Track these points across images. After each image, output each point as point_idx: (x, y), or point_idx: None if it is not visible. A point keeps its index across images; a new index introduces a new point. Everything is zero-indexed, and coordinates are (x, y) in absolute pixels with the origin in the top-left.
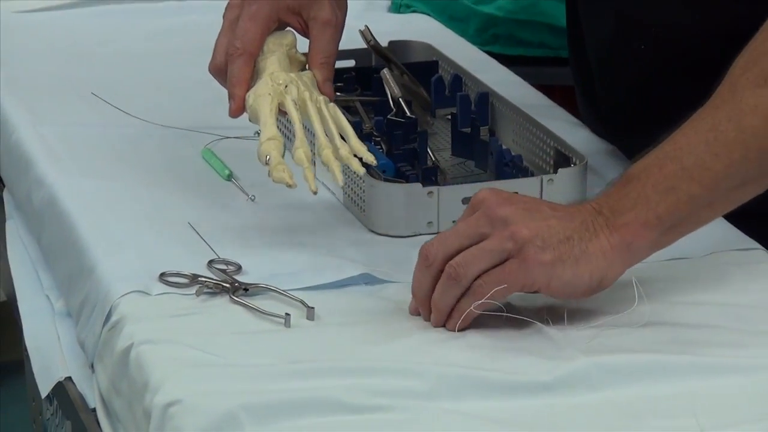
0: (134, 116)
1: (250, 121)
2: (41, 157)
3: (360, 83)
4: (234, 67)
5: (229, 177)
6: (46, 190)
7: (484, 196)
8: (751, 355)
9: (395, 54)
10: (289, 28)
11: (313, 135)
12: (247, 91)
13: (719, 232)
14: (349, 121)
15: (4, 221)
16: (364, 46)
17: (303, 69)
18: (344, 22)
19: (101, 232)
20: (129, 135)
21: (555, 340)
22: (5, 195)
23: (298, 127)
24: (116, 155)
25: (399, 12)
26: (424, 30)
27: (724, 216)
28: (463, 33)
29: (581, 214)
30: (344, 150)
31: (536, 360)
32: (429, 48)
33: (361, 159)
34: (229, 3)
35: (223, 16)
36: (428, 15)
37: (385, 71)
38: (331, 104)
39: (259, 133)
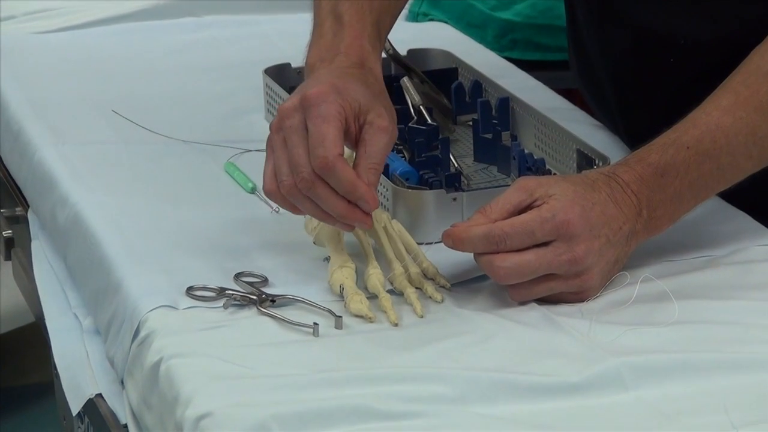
0: (156, 132)
1: (314, 243)
2: (64, 176)
3: None
4: (337, 175)
5: (253, 190)
6: (71, 209)
7: (567, 219)
8: None
9: (415, 62)
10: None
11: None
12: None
13: (744, 228)
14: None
15: (30, 241)
16: (383, 55)
17: None
18: (396, 135)
19: (127, 248)
20: (151, 151)
21: (582, 341)
22: (30, 215)
23: (368, 250)
24: (139, 172)
25: (417, 20)
26: (442, 37)
27: (748, 211)
28: (481, 39)
29: (629, 222)
30: (414, 269)
31: (565, 362)
32: (448, 55)
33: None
34: (280, 110)
35: (277, 126)
36: (446, 23)
37: (405, 80)
38: (395, 221)
39: (328, 260)
